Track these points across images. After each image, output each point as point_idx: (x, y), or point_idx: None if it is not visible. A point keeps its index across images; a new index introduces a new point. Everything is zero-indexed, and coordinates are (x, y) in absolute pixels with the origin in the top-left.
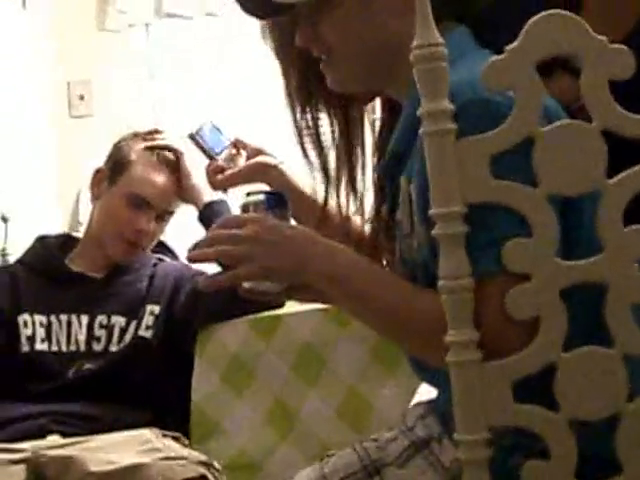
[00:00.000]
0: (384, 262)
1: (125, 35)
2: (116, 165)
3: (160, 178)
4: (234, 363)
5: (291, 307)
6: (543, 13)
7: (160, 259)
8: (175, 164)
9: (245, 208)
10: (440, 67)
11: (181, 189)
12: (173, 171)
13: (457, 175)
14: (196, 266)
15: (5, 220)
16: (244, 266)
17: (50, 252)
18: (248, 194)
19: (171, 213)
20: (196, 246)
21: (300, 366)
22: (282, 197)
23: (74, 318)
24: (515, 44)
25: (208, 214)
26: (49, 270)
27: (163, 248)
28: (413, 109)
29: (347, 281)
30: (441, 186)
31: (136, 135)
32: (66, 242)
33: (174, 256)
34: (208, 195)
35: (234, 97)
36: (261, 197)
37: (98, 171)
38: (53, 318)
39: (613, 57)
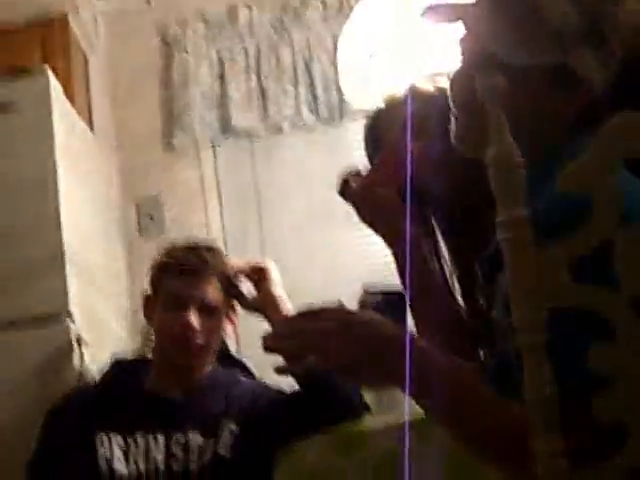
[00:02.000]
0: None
1: (192, 154)
2: (153, 282)
3: (187, 275)
4: None
5: (371, 420)
6: (624, 113)
7: (236, 377)
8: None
9: (363, 304)
10: (518, 175)
11: (262, 298)
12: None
13: (537, 282)
14: (276, 381)
15: (80, 343)
16: (320, 359)
17: (126, 375)
18: (366, 291)
19: (214, 307)
20: (276, 335)
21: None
22: (400, 296)
23: (151, 438)
24: (595, 144)
25: None
26: (125, 393)
27: (238, 366)
28: None
29: (429, 388)
30: (521, 294)
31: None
32: (141, 364)
33: (250, 374)
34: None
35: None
36: (379, 298)
37: (145, 295)
38: (130, 440)
39: None
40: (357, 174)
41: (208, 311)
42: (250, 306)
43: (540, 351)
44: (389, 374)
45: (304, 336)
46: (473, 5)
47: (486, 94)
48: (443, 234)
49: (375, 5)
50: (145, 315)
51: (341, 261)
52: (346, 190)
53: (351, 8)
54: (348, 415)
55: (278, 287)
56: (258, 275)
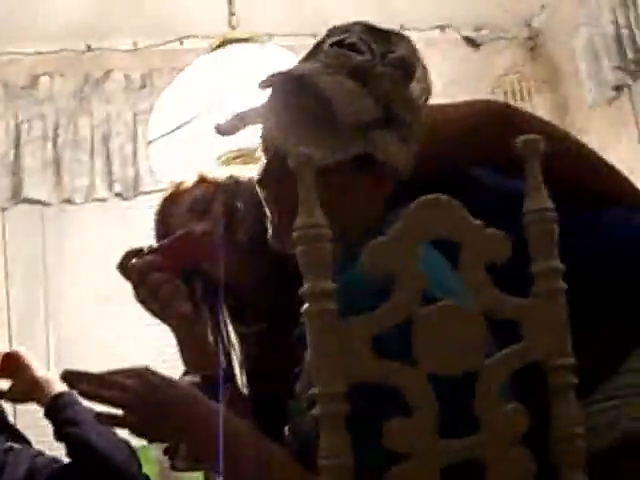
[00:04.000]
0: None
1: None
2: None
3: None
4: None
5: None
6: (422, 198)
7: (11, 447)
8: None
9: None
10: (323, 248)
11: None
12: None
13: (338, 355)
14: (51, 453)
15: None
16: (128, 416)
17: None
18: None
19: None
20: (81, 377)
21: None
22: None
23: None
24: (395, 228)
25: (58, 406)
26: None
27: (13, 434)
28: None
29: (230, 449)
30: (322, 366)
31: None
32: None
33: (25, 442)
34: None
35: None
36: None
37: None
38: None
39: (490, 241)
40: (139, 253)
41: None
42: (18, 398)
43: (338, 423)
44: (193, 444)
45: (106, 385)
46: (265, 110)
47: (297, 166)
48: (232, 317)
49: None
50: None
51: (126, 336)
52: (126, 267)
53: (153, 85)
54: None
55: (40, 370)
56: (11, 364)
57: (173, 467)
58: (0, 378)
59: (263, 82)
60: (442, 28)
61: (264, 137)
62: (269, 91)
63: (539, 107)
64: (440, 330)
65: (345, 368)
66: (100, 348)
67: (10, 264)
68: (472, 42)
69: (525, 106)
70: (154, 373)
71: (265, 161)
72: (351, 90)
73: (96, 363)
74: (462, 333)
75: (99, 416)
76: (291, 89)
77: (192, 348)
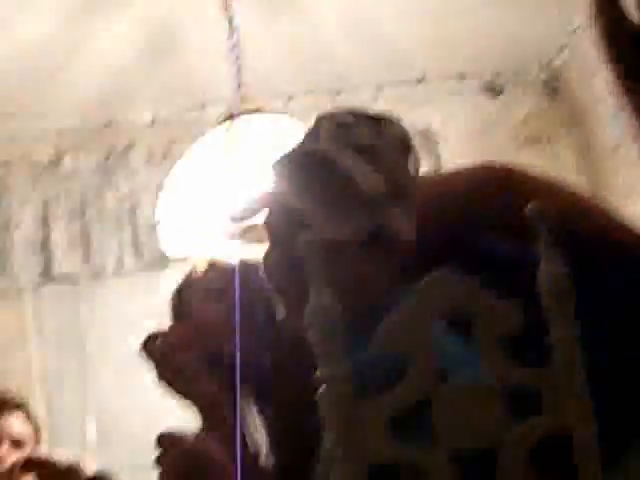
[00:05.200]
0: None
1: (12, 299)
2: None
3: None
4: None
5: None
6: (436, 272)
7: None
8: None
9: None
10: (336, 331)
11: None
12: None
13: (357, 438)
14: None
15: None
16: None
17: None
18: None
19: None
20: None
21: None
22: None
23: None
24: (411, 303)
25: None
26: None
27: None
28: None
29: None
30: (342, 449)
31: None
32: None
33: None
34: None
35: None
36: None
37: None
38: None
39: (503, 314)
40: (161, 335)
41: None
42: None
43: None
44: None
45: None
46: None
47: (305, 248)
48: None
49: (198, 160)
50: None
51: (163, 407)
52: (148, 348)
53: (175, 155)
54: None
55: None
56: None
57: None
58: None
59: (280, 161)
60: (461, 76)
61: (269, 222)
62: (280, 169)
63: (562, 149)
64: (459, 408)
65: (363, 451)
66: (135, 416)
67: (45, 341)
68: (492, 90)
69: (548, 150)
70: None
71: (269, 249)
72: (364, 166)
73: (131, 431)
74: (481, 409)
75: None
76: (310, 165)
77: (217, 430)
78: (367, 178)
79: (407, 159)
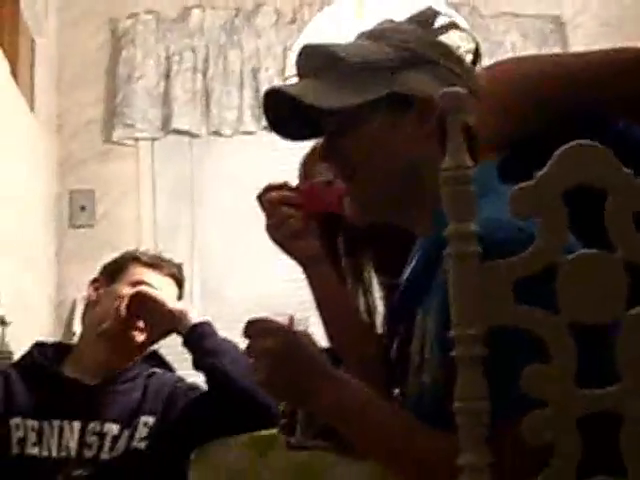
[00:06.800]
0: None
1: (131, 149)
2: (113, 274)
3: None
4: None
5: None
6: (573, 143)
7: (154, 372)
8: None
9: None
10: (468, 190)
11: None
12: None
13: (480, 298)
14: (191, 379)
15: (4, 323)
16: (257, 374)
17: (45, 358)
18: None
19: None
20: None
21: None
22: None
23: (66, 424)
24: (544, 171)
25: (197, 336)
26: (43, 376)
27: (157, 360)
28: (435, 242)
29: (351, 418)
30: (463, 308)
31: (135, 259)
32: (62, 349)
33: (168, 368)
34: (189, 318)
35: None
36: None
37: (95, 280)
38: (45, 424)
39: (639, 191)
40: (279, 187)
41: None
42: (156, 338)
43: (476, 365)
44: (312, 403)
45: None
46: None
47: (448, 105)
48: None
49: (329, 22)
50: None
51: (266, 264)
52: (263, 197)
53: (303, 20)
54: (266, 423)
55: (171, 301)
56: (141, 304)
57: (288, 444)
58: (134, 317)
59: None
60: None
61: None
62: None
63: None
64: (584, 278)
65: (486, 311)
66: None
67: (158, 192)
68: None
69: None
70: (294, 334)
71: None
72: (362, 43)
73: (235, 285)
74: (606, 282)
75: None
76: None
77: (319, 287)
78: (363, 50)
79: (429, 32)
